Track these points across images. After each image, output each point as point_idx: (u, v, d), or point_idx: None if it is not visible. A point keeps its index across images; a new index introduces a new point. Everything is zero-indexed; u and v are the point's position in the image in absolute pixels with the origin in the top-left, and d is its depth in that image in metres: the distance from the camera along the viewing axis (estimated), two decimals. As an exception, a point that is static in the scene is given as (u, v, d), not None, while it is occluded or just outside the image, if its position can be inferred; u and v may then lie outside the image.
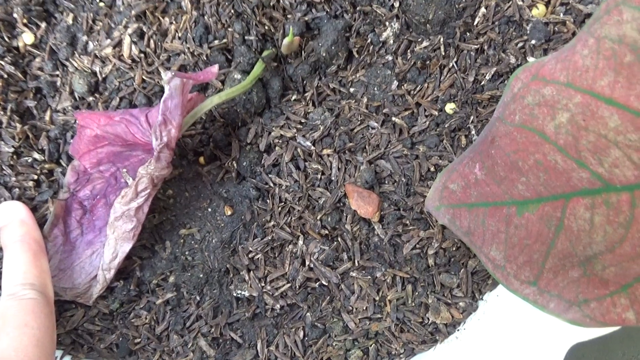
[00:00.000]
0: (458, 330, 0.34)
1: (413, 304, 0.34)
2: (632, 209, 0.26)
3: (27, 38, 0.38)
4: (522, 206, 0.30)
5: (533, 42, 0.35)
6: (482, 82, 0.36)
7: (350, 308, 0.35)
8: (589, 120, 0.26)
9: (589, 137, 0.26)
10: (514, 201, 0.30)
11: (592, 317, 0.29)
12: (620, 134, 0.25)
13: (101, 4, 0.39)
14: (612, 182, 0.26)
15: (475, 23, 0.37)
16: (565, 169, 0.27)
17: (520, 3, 0.36)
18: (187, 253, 0.37)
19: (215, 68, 0.33)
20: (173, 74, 0.31)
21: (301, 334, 0.35)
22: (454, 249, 0.34)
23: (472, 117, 0.36)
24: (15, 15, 0.38)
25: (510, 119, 0.29)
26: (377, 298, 0.34)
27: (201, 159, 0.38)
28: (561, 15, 0.35)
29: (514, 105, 0.29)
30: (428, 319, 0.34)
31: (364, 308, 0.34)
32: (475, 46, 0.36)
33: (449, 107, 0.36)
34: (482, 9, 0.37)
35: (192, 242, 0.37)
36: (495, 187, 0.30)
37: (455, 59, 0.36)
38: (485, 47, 0.36)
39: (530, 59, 0.36)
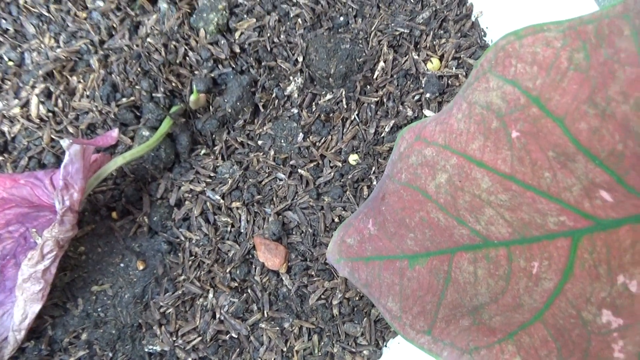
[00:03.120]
0: (363, 377, 0.36)
1: (319, 354, 0.36)
2: (510, 262, 0.28)
3: None
4: (413, 260, 0.31)
5: (428, 95, 0.37)
6: (382, 134, 0.38)
7: (260, 359, 0.36)
8: (464, 181, 0.28)
9: (465, 197, 0.28)
10: (405, 255, 0.31)
11: (482, 363, 0.31)
12: (492, 194, 0.27)
13: (10, 63, 0.40)
14: (489, 239, 0.28)
15: (375, 76, 0.38)
16: (447, 225, 0.29)
17: (416, 57, 0.38)
18: (99, 309, 0.37)
19: (115, 132, 0.34)
20: (71, 140, 0.32)
21: (211, 387, 0.36)
22: (357, 298, 0.36)
23: (373, 168, 0.37)
24: None
25: (398, 177, 0.31)
26: (284, 349, 0.36)
27: (114, 214, 0.39)
28: (453, 69, 0.37)
29: (401, 164, 0.31)
30: (334, 367, 0.36)
31: (272, 359, 0.36)
32: (375, 99, 0.38)
33: (352, 159, 0.38)
34: (381, 63, 0.38)
35: (105, 298, 0.37)
36: (388, 242, 0.32)
37: (356, 112, 0.38)
38: (385, 100, 0.38)
39: (426, 112, 0.37)
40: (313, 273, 0.37)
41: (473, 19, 0.38)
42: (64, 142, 0.32)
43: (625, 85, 0.22)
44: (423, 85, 0.38)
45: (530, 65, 0.25)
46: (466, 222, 0.28)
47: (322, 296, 0.36)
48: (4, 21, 0.40)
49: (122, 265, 0.38)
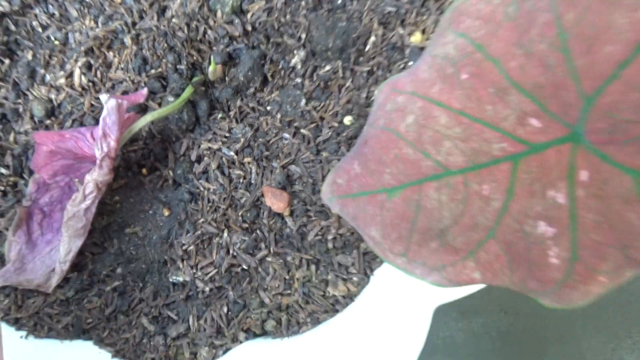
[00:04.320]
0: (354, 300, 0.42)
1: (316, 281, 0.42)
2: (466, 187, 0.34)
3: (-7, 72, 0.46)
4: (390, 193, 0.37)
5: (411, 63, 0.44)
6: (372, 98, 0.44)
7: (266, 286, 0.43)
8: (427, 119, 0.34)
9: (428, 133, 0.34)
10: (384, 189, 0.38)
11: (449, 279, 0.37)
12: (448, 128, 0.33)
13: (56, 42, 0.47)
14: (449, 168, 0.34)
15: (367, 49, 0.45)
16: (416, 159, 0.35)
17: (402, 32, 0.44)
18: (131, 248, 0.44)
19: (144, 91, 0.42)
20: (109, 95, 0.39)
21: (225, 309, 0.42)
22: (348, 234, 0.42)
23: (364, 126, 0.44)
24: (-17, 53, 0.46)
25: (377, 124, 0.37)
26: (287, 277, 0.42)
27: (143, 170, 0.46)
28: (433, 41, 0.44)
29: (379, 112, 0.37)
30: (329, 292, 0.42)
31: (277, 286, 0.42)
32: (367, 68, 0.45)
33: (347, 120, 0.45)
34: (372, 37, 0.45)
35: (136, 239, 0.44)
36: (370, 179, 0.38)
37: (351, 80, 0.45)
38: (375, 69, 0.45)
39: (409, 78, 0.44)
40: (312, 214, 0.43)
41: (451, -1, 0.45)
42: (103, 97, 0.39)
43: (542, 28, 0.29)
44: (407, 56, 0.45)
45: (475, 20, 0.32)
46: (430, 155, 0.35)
47: (319, 233, 0.43)
48: (50, 6, 0.48)
49: (150, 212, 0.46)
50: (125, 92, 0.46)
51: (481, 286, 0.39)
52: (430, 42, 0.35)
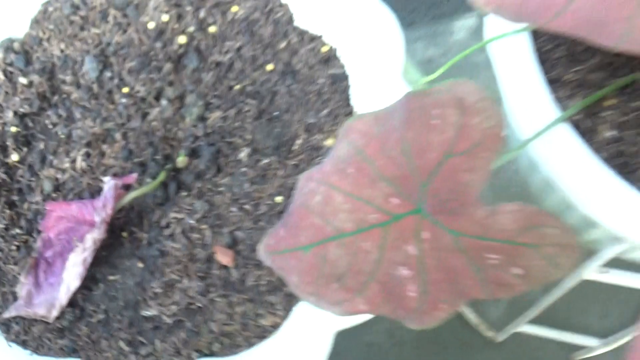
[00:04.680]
0: (278, 329, 0.57)
1: (252, 314, 0.57)
2: (355, 245, 0.50)
3: (14, 157, 0.62)
4: (305, 249, 0.53)
5: (325, 160, 0.61)
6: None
7: (214, 319, 0.58)
8: (328, 199, 0.50)
9: (329, 208, 0.50)
10: (301, 247, 0.53)
11: (345, 310, 0.52)
12: (342, 204, 0.50)
13: (62, 136, 0.63)
14: (344, 231, 0.50)
15: (294, 148, 0.62)
16: (321, 226, 0.51)
17: (320, 137, 0.62)
18: (113, 291, 0.59)
19: (135, 175, 0.58)
20: (110, 178, 0.55)
21: (183, 335, 0.57)
22: (276, 281, 0.58)
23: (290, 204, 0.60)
24: (7, 143, 0.61)
25: (297, 202, 0.53)
26: (230, 312, 0.57)
27: (124, 234, 0.61)
28: (341, 144, 0.61)
29: (298, 194, 0.53)
30: (261, 323, 0.57)
31: (222, 318, 0.57)
32: (294, 162, 0.62)
33: (278, 199, 0.61)
34: (299, 140, 0.62)
35: (117, 284, 0.59)
36: (291, 240, 0.54)
37: (282, 170, 0.62)
38: (300, 163, 0.62)
39: (324, 170, 0.60)
40: (250, 266, 0.59)
41: (353, 113, 0.63)
42: (106, 179, 0.55)
43: (395, 141, 0.46)
44: (323, 154, 0.62)
45: (358, 134, 0.49)
46: (331, 223, 0.51)
47: (255, 280, 0.58)
48: (60, 110, 0.64)
49: (128, 264, 0.60)
50: (115, 174, 0.62)
51: (370, 316, 0.55)
52: (333, 145, 0.52)
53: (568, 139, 0.57)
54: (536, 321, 1.03)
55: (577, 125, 0.59)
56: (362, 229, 0.50)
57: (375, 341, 1.11)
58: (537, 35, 0.63)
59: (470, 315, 1.12)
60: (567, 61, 0.62)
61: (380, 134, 0.48)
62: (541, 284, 0.47)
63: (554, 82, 0.61)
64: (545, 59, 0.62)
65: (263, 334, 0.57)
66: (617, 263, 0.73)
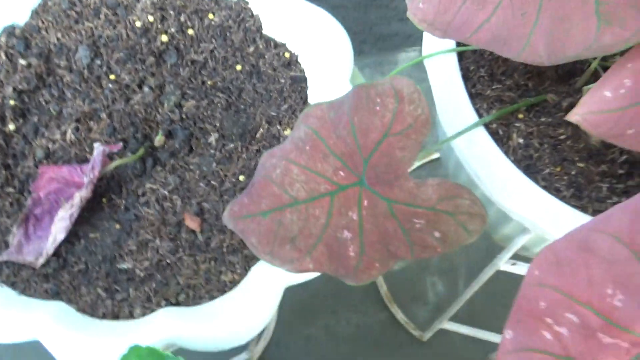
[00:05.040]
0: (237, 284, 0.66)
1: (214, 271, 0.67)
2: (307, 211, 0.60)
3: (11, 126, 0.70)
4: (264, 215, 0.63)
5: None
6: (257, 165, 0.71)
7: (181, 274, 0.67)
8: (287, 171, 0.61)
9: (287, 179, 0.61)
10: (261, 212, 0.63)
11: (296, 268, 0.62)
12: (298, 176, 0.60)
13: (54, 112, 0.72)
14: (299, 199, 0.61)
15: (257, 136, 0.73)
16: (279, 194, 0.61)
17: (279, 128, 0.72)
18: (92, 246, 0.68)
19: (120, 145, 0.67)
20: (99, 144, 0.64)
21: (153, 285, 0.66)
22: (236, 243, 0.68)
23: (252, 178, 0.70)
24: (6, 114, 0.70)
25: (259, 174, 0.63)
26: (195, 268, 0.67)
27: (104, 200, 0.70)
28: (298, 134, 0.72)
29: (261, 168, 0.63)
30: (222, 279, 0.66)
31: (188, 273, 0.67)
32: (256, 148, 0.72)
33: (241, 177, 0.71)
34: (261, 130, 0.73)
35: (96, 240, 0.68)
36: (253, 207, 0.64)
37: (245, 154, 0.72)
38: (261, 149, 0.72)
39: (281, 155, 0.71)
40: (214, 232, 0.69)
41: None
42: (96, 144, 0.64)
43: (344, 124, 0.57)
44: (281, 141, 0.72)
45: (314, 118, 0.60)
46: (288, 192, 0.61)
47: (218, 242, 0.68)
48: (53, 90, 0.73)
49: (107, 225, 0.69)
50: (97, 144, 0.71)
51: (316, 274, 0.65)
52: (293, 129, 0.62)
53: (485, 141, 0.70)
54: (459, 319, 1.15)
55: (494, 132, 0.72)
56: (313, 198, 0.60)
57: (313, 334, 1.21)
58: (463, 57, 0.76)
59: (400, 316, 1.24)
60: (488, 80, 0.75)
61: (333, 118, 0.59)
62: (456, 247, 0.58)
63: (476, 96, 0.74)
64: (470, 76, 0.75)
65: (223, 288, 0.66)
66: (526, 260, 0.85)
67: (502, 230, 0.81)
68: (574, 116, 0.52)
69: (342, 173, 0.59)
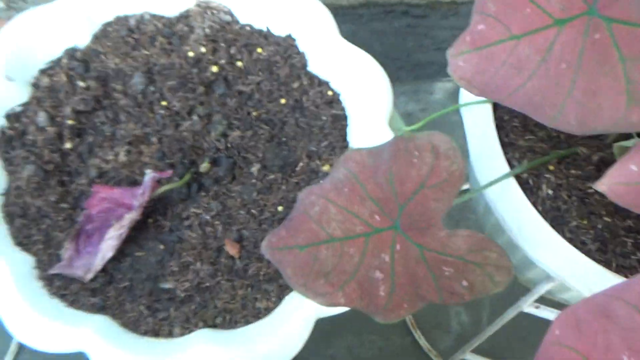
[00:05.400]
0: (271, 312, 0.70)
1: (250, 297, 0.70)
2: (342, 249, 0.64)
3: (68, 144, 0.75)
4: (301, 248, 0.66)
5: (320, 181, 0.75)
6: (296, 198, 0.74)
7: (219, 297, 0.70)
8: (325, 210, 0.64)
9: (325, 217, 0.64)
10: (298, 246, 0.66)
11: (328, 302, 0.65)
12: (336, 215, 0.63)
13: (108, 134, 0.76)
14: (334, 237, 0.64)
15: (297, 169, 0.76)
16: (317, 230, 0.64)
17: (318, 163, 0.76)
18: (137, 264, 0.72)
19: (169, 172, 0.71)
20: (151, 171, 0.68)
21: (193, 307, 0.70)
22: (272, 272, 0.71)
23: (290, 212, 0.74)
24: (64, 133, 0.74)
25: (298, 209, 0.67)
26: (232, 293, 0.71)
27: (150, 221, 0.74)
28: (336, 170, 0.75)
29: (300, 203, 0.67)
30: (257, 305, 0.70)
31: (226, 297, 0.70)
32: (295, 180, 0.76)
33: (280, 208, 0.75)
34: (301, 163, 0.76)
35: (141, 259, 0.72)
36: (291, 240, 0.67)
37: (285, 186, 0.75)
38: (300, 182, 0.76)
39: (319, 189, 0.75)
40: (252, 259, 0.72)
41: (348, 147, 0.77)
42: (148, 171, 0.68)
43: (383, 172, 0.61)
44: (319, 176, 0.76)
45: (354, 162, 0.63)
46: (325, 229, 0.64)
47: (255, 270, 0.72)
48: (109, 112, 0.77)
49: (151, 245, 0.73)
50: (148, 170, 0.75)
51: (345, 309, 0.68)
52: (332, 168, 0.66)
53: (515, 191, 0.72)
54: (480, 352, 1.18)
55: (524, 182, 0.74)
56: (349, 237, 0.63)
57: (336, 354, 1.24)
58: (498, 106, 0.79)
59: (423, 342, 1.27)
60: (521, 130, 0.78)
61: (372, 164, 0.62)
62: (482, 295, 0.61)
63: (509, 145, 0.77)
64: (504, 125, 0.78)
65: (258, 314, 0.70)
66: (549, 303, 0.88)
67: (528, 274, 0.84)
68: (601, 186, 0.54)
69: (377, 217, 0.62)
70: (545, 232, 0.70)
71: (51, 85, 0.77)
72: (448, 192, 0.59)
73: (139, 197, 0.69)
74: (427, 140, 0.59)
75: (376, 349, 1.25)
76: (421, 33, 1.57)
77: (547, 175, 0.75)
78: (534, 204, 0.73)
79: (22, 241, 0.70)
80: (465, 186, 1.33)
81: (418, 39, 1.58)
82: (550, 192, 0.74)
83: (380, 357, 1.25)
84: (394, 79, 1.61)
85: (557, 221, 0.73)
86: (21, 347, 1.00)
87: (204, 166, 0.76)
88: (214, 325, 0.70)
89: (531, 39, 0.57)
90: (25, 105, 0.76)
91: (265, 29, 0.83)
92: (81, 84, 0.78)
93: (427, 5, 1.50)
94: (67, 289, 0.69)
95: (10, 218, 0.71)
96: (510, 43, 0.59)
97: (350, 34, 1.48)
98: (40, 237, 0.71)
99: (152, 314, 0.70)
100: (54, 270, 0.69)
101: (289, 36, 0.83)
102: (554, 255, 0.69)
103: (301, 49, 0.82)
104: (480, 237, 0.60)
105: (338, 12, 1.40)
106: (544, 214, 0.73)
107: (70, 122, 0.76)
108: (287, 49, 0.82)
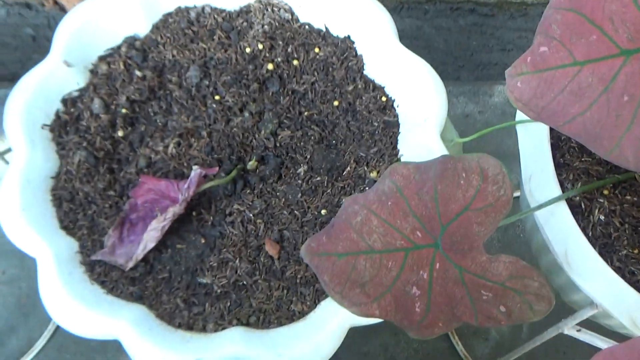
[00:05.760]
0: (305, 316, 0.70)
1: (285, 299, 0.71)
2: (380, 261, 0.63)
3: (120, 133, 0.76)
4: (339, 256, 0.66)
5: (367, 188, 0.74)
6: (340, 203, 0.74)
7: (255, 297, 0.71)
8: (367, 221, 0.63)
9: (366, 228, 0.63)
10: (337, 253, 0.66)
11: (362, 312, 0.65)
12: (377, 227, 0.63)
13: (159, 124, 0.77)
14: (374, 249, 0.63)
15: (344, 174, 0.76)
16: (357, 240, 0.64)
17: (366, 169, 0.75)
18: (178, 256, 0.72)
19: (215, 169, 0.71)
20: (198, 167, 0.68)
21: (228, 304, 0.70)
22: (310, 276, 0.71)
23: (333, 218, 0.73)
24: (117, 121, 0.75)
25: (340, 217, 0.66)
26: (268, 294, 0.71)
27: (194, 213, 0.75)
28: (382, 179, 0.74)
29: (343, 211, 0.66)
30: (292, 308, 0.70)
31: (261, 297, 0.70)
32: (341, 185, 0.75)
33: (323, 212, 0.74)
34: (348, 168, 0.76)
35: (182, 251, 0.73)
36: (330, 246, 0.67)
37: (330, 189, 0.75)
38: (346, 187, 0.75)
39: (364, 196, 0.74)
40: (291, 261, 0.72)
41: (398, 157, 0.76)
42: (195, 167, 0.69)
43: (428, 188, 0.60)
44: (366, 184, 0.75)
45: (400, 176, 0.62)
46: (365, 240, 0.64)
47: (293, 272, 0.71)
48: (162, 102, 0.78)
49: (193, 238, 0.74)
50: (196, 164, 0.75)
51: (379, 320, 0.68)
52: (378, 180, 0.65)
53: (565, 215, 0.70)
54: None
55: (576, 205, 0.72)
56: (389, 250, 0.63)
57: (371, 352, 1.24)
58: (557, 125, 0.76)
59: (460, 348, 1.25)
60: (578, 151, 0.75)
61: (418, 180, 0.61)
62: (520, 322, 0.60)
63: (563, 166, 0.74)
64: (560, 145, 0.75)
65: (292, 317, 0.70)
66: (591, 325, 0.85)
67: (572, 296, 0.81)
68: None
69: (419, 233, 0.61)
70: (591, 260, 0.68)
71: (109, 73, 0.78)
72: (492, 217, 0.58)
73: (184, 191, 0.70)
74: (476, 162, 0.58)
75: (412, 349, 1.25)
76: (487, 32, 1.54)
77: (601, 200, 0.73)
78: (584, 229, 0.70)
79: (68, 225, 0.72)
80: (516, 194, 1.31)
81: (483, 39, 1.55)
82: (602, 217, 0.72)
83: (414, 358, 1.25)
84: (455, 78, 1.58)
85: (606, 248, 0.70)
86: (58, 328, 1.03)
87: (251, 164, 0.76)
88: (248, 324, 0.70)
89: (594, 67, 0.55)
90: (82, 90, 0.77)
91: (324, 29, 0.83)
92: (138, 73, 0.78)
93: (496, 4, 1.47)
94: (107, 276, 0.71)
95: (58, 202, 0.72)
96: (573, 69, 0.56)
97: (415, 29, 1.46)
98: (85, 223, 0.72)
99: (188, 308, 0.70)
100: (96, 256, 0.70)
101: (348, 37, 0.82)
102: (598, 284, 0.67)
103: (359, 51, 0.81)
104: (522, 264, 0.58)
105: (403, 6, 1.38)
106: (593, 239, 0.70)
107: (124, 110, 0.77)
108: (344, 50, 0.81)
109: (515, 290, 0.58)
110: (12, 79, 1.50)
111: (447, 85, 1.43)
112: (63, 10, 1.37)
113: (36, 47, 1.45)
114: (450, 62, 1.63)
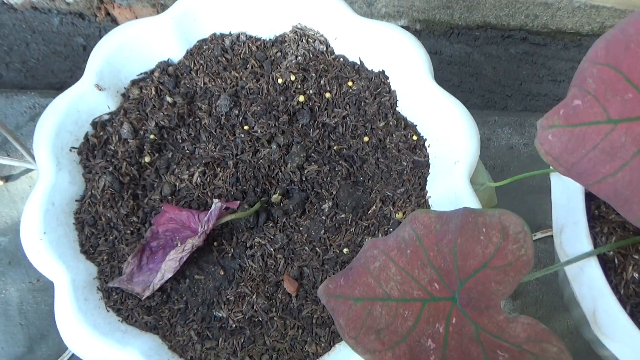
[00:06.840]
0: (319, 358, 0.68)
1: (300, 339, 0.69)
2: (397, 309, 0.61)
3: (147, 158, 0.76)
4: (356, 301, 0.64)
5: (391, 229, 0.72)
6: (362, 243, 0.72)
7: (269, 334, 0.70)
8: (385, 267, 0.62)
9: (384, 274, 0.62)
10: (353, 297, 0.65)
11: (375, 359, 0.63)
12: (395, 275, 0.61)
13: (187, 151, 0.76)
14: (391, 296, 0.62)
15: (369, 212, 0.74)
16: (374, 286, 0.63)
17: (391, 209, 0.73)
18: (195, 287, 0.72)
19: (236, 203, 0.70)
20: (218, 201, 0.68)
21: (242, 340, 0.69)
22: (326, 317, 0.70)
23: (353, 259, 0.72)
24: (145, 146, 0.75)
25: (359, 261, 0.65)
26: (283, 332, 0.69)
27: (215, 243, 0.74)
28: (408, 220, 0.72)
29: (362, 255, 0.65)
30: (305, 349, 0.69)
31: (276, 335, 0.69)
32: (366, 224, 0.73)
33: (345, 250, 0.73)
34: (374, 207, 0.74)
35: (199, 283, 0.72)
36: (347, 290, 0.65)
37: (354, 227, 0.73)
38: (370, 226, 0.73)
39: (388, 237, 0.72)
40: (308, 300, 0.71)
41: (425, 199, 0.74)
42: (215, 200, 0.68)
43: (447, 242, 0.58)
44: (390, 225, 0.73)
45: (421, 225, 0.60)
46: (382, 286, 0.62)
47: (310, 312, 0.70)
48: (191, 130, 0.78)
49: (212, 269, 0.73)
50: (219, 195, 0.75)
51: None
52: (400, 225, 0.63)
53: (595, 272, 0.67)
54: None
55: (609, 260, 0.69)
56: (406, 299, 0.61)
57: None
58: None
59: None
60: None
61: (438, 230, 0.59)
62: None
63: (598, 218, 0.71)
64: (596, 197, 0.72)
65: (305, 358, 0.69)
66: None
67: (602, 351, 0.78)
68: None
69: (436, 285, 0.59)
70: (620, 321, 0.65)
71: (140, 98, 0.79)
72: (512, 276, 0.55)
73: (204, 224, 0.69)
74: (497, 219, 0.55)
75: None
76: (538, 62, 1.50)
77: (636, 257, 0.69)
78: (616, 286, 0.67)
79: (89, 250, 0.72)
80: (548, 233, 1.26)
81: (534, 68, 1.51)
82: (636, 275, 0.68)
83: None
84: (501, 107, 1.55)
85: (638, 308, 0.67)
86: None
87: (276, 197, 0.75)
88: (260, 363, 0.69)
89: (629, 127, 0.52)
90: (113, 114, 0.77)
91: (358, 62, 0.81)
92: (168, 99, 0.78)
93: (549, 33, 1.43)
94: (123, 304, 0.71)
95: (80, 225, 0.73)
96: (606, 127, 0.54)
97: (464, 55, 1.43)
98: (106, 248, 0.72)
99: (201, 341, 0.70)
100: (114, 283, 0.70)
101: (382, 72, 0.80)
102: (627, 347, 0.64)
103: (392, 87, 0.80)
104: (541, 327, 0.55)
105: (453, 32, 1.36)
106: (625, 298, 0.67)
107: (152, 136, 0.77)
108: (378, 85, 0.80)
109: (532, 354, 0.56)
110: (60, 87, 1.53)
111: (493, 114, 1.40)
112: (115, 22, 1.39)
113: (86, 57, 1.48)
114: (498, 90, 1.59)
